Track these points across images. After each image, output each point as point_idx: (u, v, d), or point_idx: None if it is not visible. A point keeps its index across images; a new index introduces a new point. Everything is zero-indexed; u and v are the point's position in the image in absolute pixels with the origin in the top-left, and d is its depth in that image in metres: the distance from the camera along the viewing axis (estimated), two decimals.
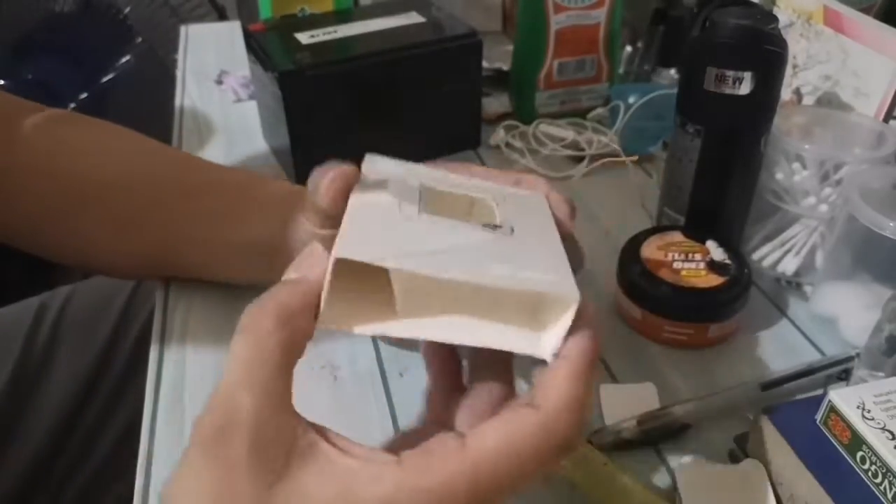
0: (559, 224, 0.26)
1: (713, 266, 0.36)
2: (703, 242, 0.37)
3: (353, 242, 0.20)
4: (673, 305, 0.35)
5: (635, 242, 0.37)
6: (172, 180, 0.36)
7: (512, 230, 0.23)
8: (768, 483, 0.27)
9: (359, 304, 0.20)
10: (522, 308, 0.20)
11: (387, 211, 0.22)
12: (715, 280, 0.35)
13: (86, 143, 0.37)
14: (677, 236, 0.38)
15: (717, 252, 0.37)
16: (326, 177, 0.24)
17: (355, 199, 0.23)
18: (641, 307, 0.35)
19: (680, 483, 0.28)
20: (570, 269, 0.22)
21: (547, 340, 0.20)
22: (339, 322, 0.20)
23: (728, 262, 0.36)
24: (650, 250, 0.37)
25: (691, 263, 0.36)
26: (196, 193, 0.36)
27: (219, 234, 0.35)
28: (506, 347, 0.20)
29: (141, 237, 0.36)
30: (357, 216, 0.22)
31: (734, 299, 0.35)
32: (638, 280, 0.36)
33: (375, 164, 0.26)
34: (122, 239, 0.36)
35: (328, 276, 0.19)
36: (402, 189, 0.24)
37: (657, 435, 0.30)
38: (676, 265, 0.36)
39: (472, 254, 0.21)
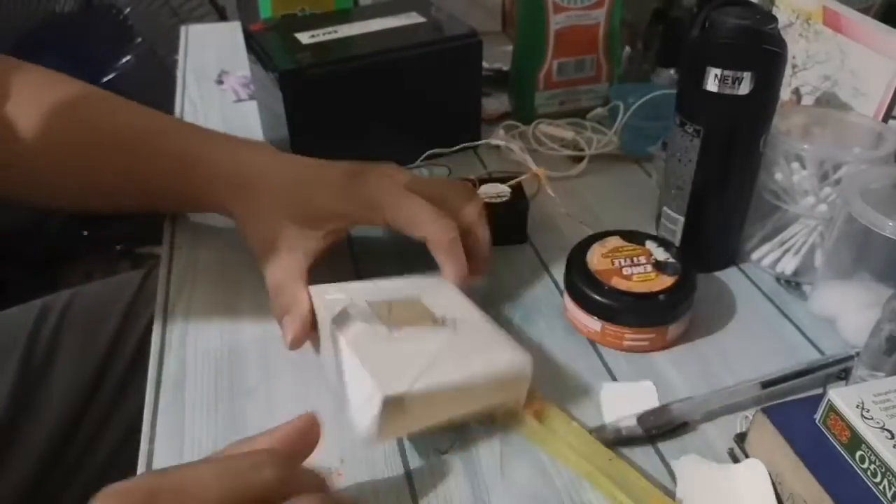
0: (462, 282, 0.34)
1: (659, 266, 0.36)
2: (643, 244, 0.37)
3: (384, 378, 0.27)
4: (636, 313, 0.34)
5: (580, 254, 0.36)
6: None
7: (454, 322, 0.31)
8: (769, 482, 0.27)
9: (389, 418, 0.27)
10: (492, 384, 0.29)
11: (370, 339, 0.30)
12: (667, 281, 0.35)
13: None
14: (617, 241, 0.37)
15: (658, 252, 0.37)
16: (289, 328, 0.32)
17: (343, 339, 0.29)
18: (602, 319, 0.35)
19: (679, 482, 0.28)
20: (504, 335, 0.31)
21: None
22: (384, 438, 0.29)
23: (671, 259, 0.36)
24: (596, 260, 0.36)
25: (639, 267, 0.36)
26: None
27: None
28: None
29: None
30: (359, 351, 0.29)
31: (687, 297, 0.35)
32: (594, 293, 0.34)
33: (324, 295, 0.33)
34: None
35: (378, 414, 0.26)
36: (359, 312, 0.31)
37: (656, 433, 0.30)
38: (626, 271, 0.35)
39: (448, 356, 0.29)
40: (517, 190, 0.43)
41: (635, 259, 0.36)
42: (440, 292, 0.34)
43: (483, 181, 0.43)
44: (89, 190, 0.42)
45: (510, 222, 0.42)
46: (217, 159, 0.39)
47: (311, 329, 0.33)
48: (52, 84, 0.42)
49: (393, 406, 0.26)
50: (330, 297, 0.33)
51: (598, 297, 0.34)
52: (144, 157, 0.40)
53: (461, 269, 0.34)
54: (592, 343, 0.36)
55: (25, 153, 0.40)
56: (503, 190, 0.42)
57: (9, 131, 0.39)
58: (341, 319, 0.31)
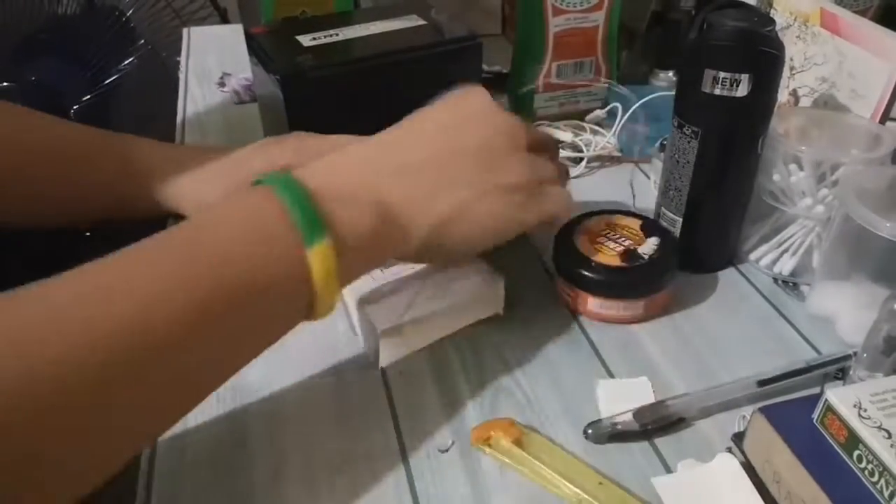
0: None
1: (628, 254, 0.37)
2: (653, 236, 0.38)
3: (380, 314, 0.34)
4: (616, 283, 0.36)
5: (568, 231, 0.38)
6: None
7: None
8: (745, 474, 0.28)
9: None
10: (470, 303, 0.36)
11: (364, 280, 0.34)
12: (617, 262, 0.36)
13: None
14: (635, 222, 0.39)
15: (647, 246, 0.37)
16: None
17: None
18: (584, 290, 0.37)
19: (664, 500, 0.28)
20: (477, 260, 0.37)
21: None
22: (392, 357, 0.34)
23: (648, 255, 0.36)
24: (597, 225, 0.39)
25: (613, 244, 0.37)
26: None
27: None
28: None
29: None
30: (356, 292, 0.35)
31: (629, 284, 0.36)
32: (562, 250, 0.38)
33: None
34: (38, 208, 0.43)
35: (379, 343, 0.33)
36: None
37: (653, 428, 0.31)
38: (600, 239, 0.38)
39: (430, 285, 0.35)
40: None
41: (622, 239, 0.38)
42: None
43: None
44: (33, 205, 0.43)
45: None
46: (150, 153, 0.41)
47: None
48: None
49: (391, 335, 0.33)
50: None
51: (563, 253, 0.37)
52: (81, 163, 0.41)
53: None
54: (589, 340, 0.36)
55: None
56: None
57: None
58: (369, 299, 0.36)
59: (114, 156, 0.41)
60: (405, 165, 0.30)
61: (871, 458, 0.25)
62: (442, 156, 0.31)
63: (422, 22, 0.50)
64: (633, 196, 0.47)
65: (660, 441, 0.31)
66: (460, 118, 0.32)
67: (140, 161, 0.41)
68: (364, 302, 0.34)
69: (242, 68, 0.63)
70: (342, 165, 0.30)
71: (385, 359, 0.34)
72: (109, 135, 0.43)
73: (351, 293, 0.35)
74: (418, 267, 0.36)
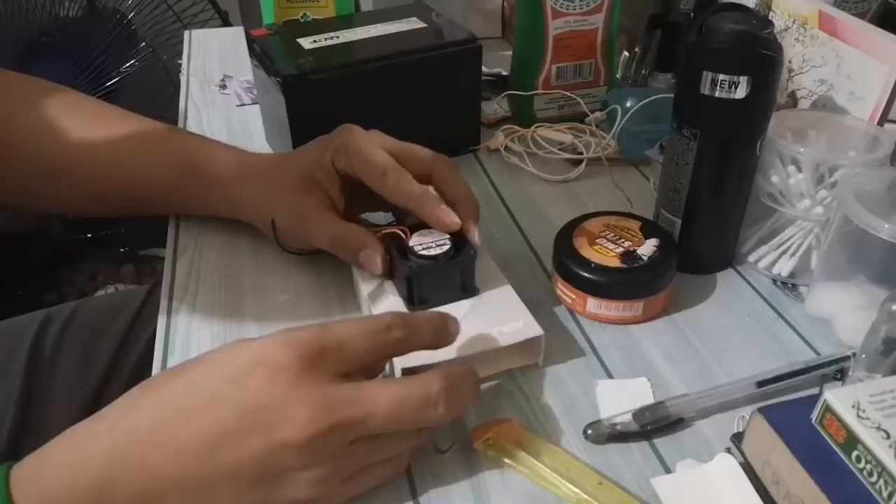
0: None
1: (627, 256, 0.37)
2: (652, 238, 0.38)
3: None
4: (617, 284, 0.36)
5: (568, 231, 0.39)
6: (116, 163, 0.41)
7: (478, 291, 0.36)
8: (744, 474, 0.28)
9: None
10: (509, 350, 0.33)
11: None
12: (617, 263, 0.36)
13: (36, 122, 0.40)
14: (634, 224, 0.39)
15: (646, 247, 0.37)
16: (372, 260, 0.35)
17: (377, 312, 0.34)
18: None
19: (664, 501, 0.28)
20: (521, 305, 0.35)
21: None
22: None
23: (648, 257, 0.37)
24: (596, 226, 0.39)
25: (613, 245, 0.37)
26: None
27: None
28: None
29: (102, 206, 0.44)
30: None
31: (628, 285, 0.36)
32: (561, 251, 0.38)
33: (360, 272, 0.37)
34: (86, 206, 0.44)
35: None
36: (392, 287, 0.36)
37: (652, 429, 0.31)
38: (599, 241, 0.38)
39: (470, 326, 0.32)
40: (458, 237, 0.35)
41: (621, 241, 0.38)
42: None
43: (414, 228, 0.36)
44: (89, 197, 0.43)
45: (453, 279, 0.34)
46: (218, 156, 0.41)
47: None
48: (48, 94, 0.42)
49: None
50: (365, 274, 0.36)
51: (562, 253, 0.37)
52: (147, 159, 0.41)
53: (446, 214, 0.34)
54: (588, 341, 0.36)
55: (24, 165, 0.41)
56: (441, 238, 0.35)
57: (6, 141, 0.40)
58: (376, 295, 0.35)
59: (181, 157, 0.41)
60: (144, 490, 0.23)
61: (869, 458, 0.25)
62: (192, 478, 0.23)
63: (422, 25, 0.50)
64: (632, 198, 0.47)
65: (659, 441, 0.31)
66: (227, 418, 0.23)
67: (211, 167, 0.41)
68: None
69: (243, 71, 0.63)
70: (68, 484, 0.23)
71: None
72: (172, 131, 0.43)
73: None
74: (459, 302, 0.35)
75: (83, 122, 0.41)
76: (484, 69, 0.51)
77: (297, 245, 0.39)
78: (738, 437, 0.30)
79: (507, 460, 0.29)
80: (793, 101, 0.47)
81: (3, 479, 0.23)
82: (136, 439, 0.23)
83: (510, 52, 0.57)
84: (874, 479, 0.25)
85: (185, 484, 0.23)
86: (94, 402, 0.45)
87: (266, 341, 0.24)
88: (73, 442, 0.24)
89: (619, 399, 0.32)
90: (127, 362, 0.47)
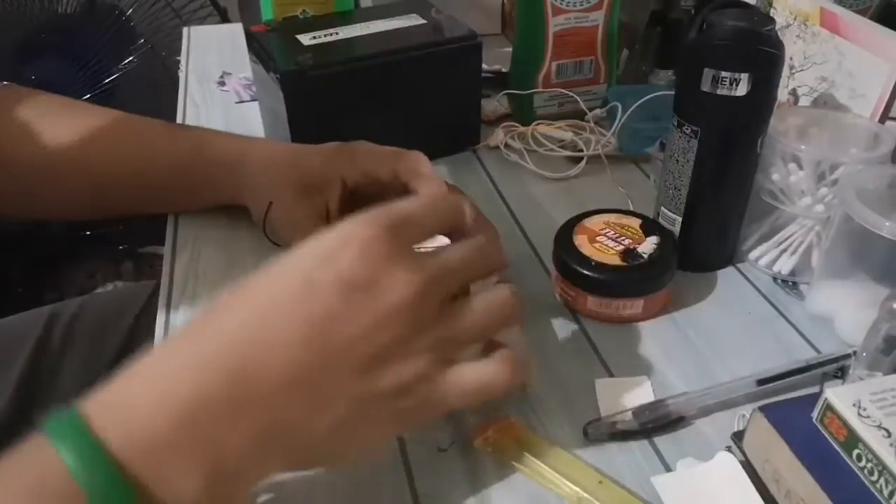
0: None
1: (628, 254, 0.37)
2: (652, 235, 0.38)
3: None
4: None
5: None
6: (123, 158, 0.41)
7: None
8: (744, 473, 0.28)
9: None
10: None
11: None
12: (617, 261, 0.36)
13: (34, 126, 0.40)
14: (635, 221, 0.39)
15: (646, 245, 0.37)
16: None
17: None
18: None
19: (664, 500, 0.28)
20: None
21: None
22: None
23: (648, 255, 0.36)
24: (597, 224, 0.39)
25: (613, 243, 0.37)
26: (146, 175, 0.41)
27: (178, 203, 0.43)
28: None
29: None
30: None
31: (629, 283, 0.36)
32: (561, 249, 0.37)
33: None
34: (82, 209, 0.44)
35: None
36: None
37: (652, 427, 0.31)
38: (599, 239, 0.38)
39: None
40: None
41: (620, 238, 0.38)
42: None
43: None
44: (89, 198, 0.43)
45: None
46: (225, 144, 0.41)
47: None
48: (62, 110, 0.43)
49: None
50: None
51: (562, 250, 0.37)
52: (152, 152, 0.41)
53: (437, 184, 0.35)
54: (588, 339, 0.36)
55: (30, 175, 0.41)
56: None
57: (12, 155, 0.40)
58: None
59: (189, 147, 0.41)
60: (249, 399, 0.21)
61: (870, 456, 0.25)
62: (304, 371, 0.21)
63: (422, 21, 0.50)
64: (633, 195, 0.47)
65: (659, 440, 0.31)
66: (326, 299, 0.22)
67: (216, 154, 0.41)
68: None
69: (242, 67, 0.63)
70: (156, 404, 0.21)
71: None
72: (180, 127, 0.44)
73: None
74: None
75: (72, 123, 0.41)
76: (484, 66, 0.51)
77: (281, 240, 0.39)
78: (738, 436, 0.30)
79: (507, 459, 0.29)
80: (794, 98, 0.47)
81: (77, 423, 0.21)
82: (234, 346, 0.21)
83: (510, 49, 0.57)
84: (875, 477, 0.25)
85: (297, 383, 0.21)
86: None
87: (342, 225, 0.24)
88: (150, 367, 0.22)
89: (620, 397, 0.32)
90: (137, 350, 0.47)
